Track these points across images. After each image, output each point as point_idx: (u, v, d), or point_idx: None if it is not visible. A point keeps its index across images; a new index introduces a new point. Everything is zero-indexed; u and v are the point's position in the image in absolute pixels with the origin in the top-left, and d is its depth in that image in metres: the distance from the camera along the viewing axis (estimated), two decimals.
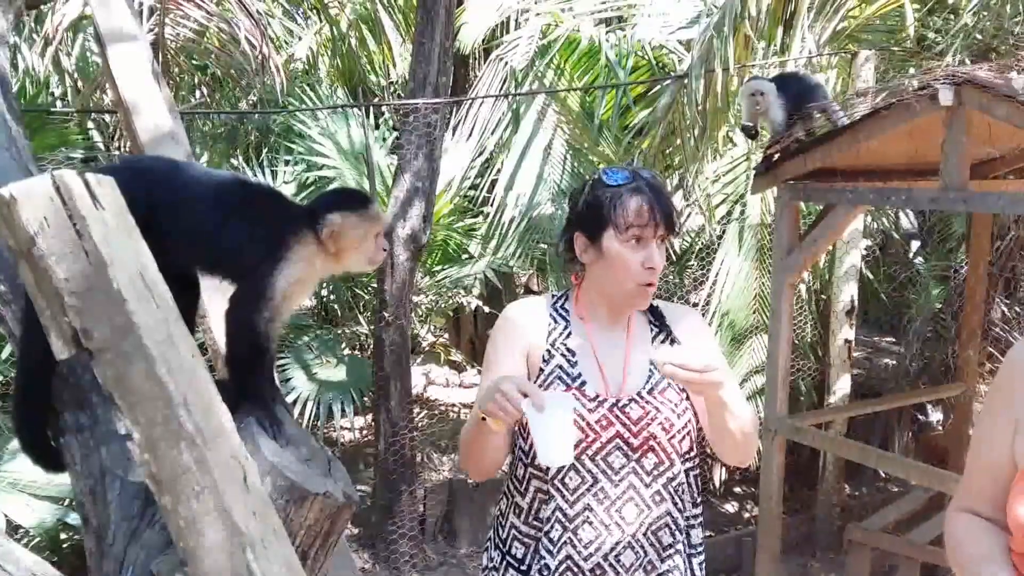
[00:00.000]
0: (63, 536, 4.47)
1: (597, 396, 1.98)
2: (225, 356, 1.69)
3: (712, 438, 2.04)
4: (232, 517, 1.30)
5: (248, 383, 1.66)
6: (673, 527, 2.00)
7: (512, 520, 2.05)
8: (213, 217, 1.66)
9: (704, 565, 2.08)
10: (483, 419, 1.85)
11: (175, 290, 1.42)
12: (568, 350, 2.04)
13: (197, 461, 1.29)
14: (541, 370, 2.02)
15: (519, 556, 2.02)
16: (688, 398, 2.04)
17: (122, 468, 1.58)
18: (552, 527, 1.95)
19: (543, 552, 1.95)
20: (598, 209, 2.00)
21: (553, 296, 2.16)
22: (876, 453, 4.88)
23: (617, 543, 1.95)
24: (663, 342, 2.08)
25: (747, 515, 6.77)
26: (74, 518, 4.22)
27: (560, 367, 2.02)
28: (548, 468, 1.95)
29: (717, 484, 6.87)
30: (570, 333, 2.06)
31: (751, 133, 4.74)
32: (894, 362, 7.41)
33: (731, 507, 6.93)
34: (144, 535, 1.53)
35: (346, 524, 1.68)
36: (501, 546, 2.07)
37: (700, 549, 2.07)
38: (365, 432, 7.37)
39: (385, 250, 1.79)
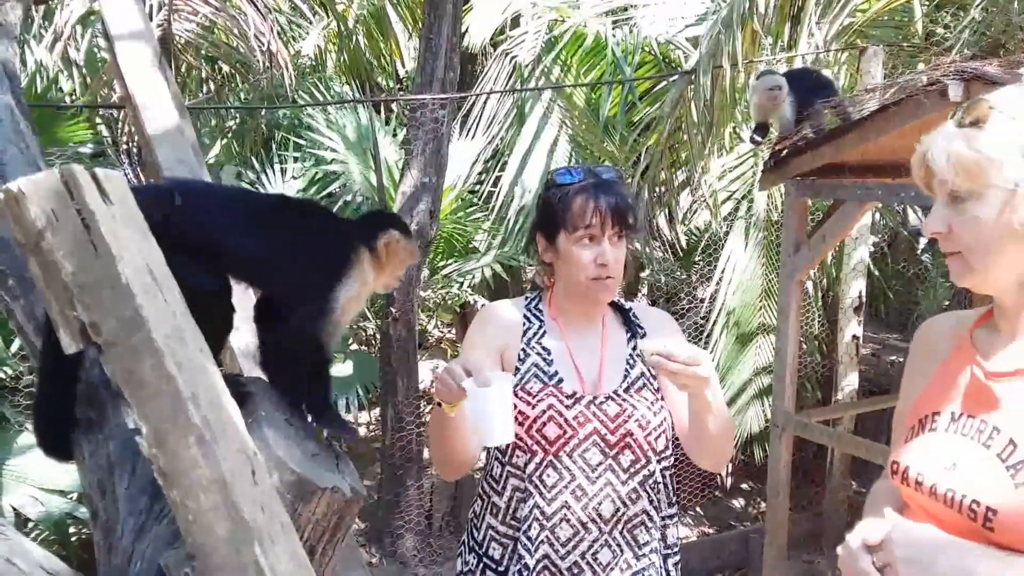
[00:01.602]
0: (71, 529, 4.49)
1: (574, 393, 1.98)
2: (278, 372, 1.73)
3: (690, 439, 2.01)
4: (240, 511, 1.30)
5: (315, 396, 1.72)
6: (649, 524, 1.99)
7: (489, 521, 2.03)
8: (274, 238, 1.70)
9: (679, 565, 2.07)
10: (439, 405, 1.85)
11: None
12: (543, 348, 2.03)
13: (205, 455, 1.29)
14: (517, 369, 2.01)
15: (496, 557, 2.00)
16: (663, 398, 2.03)
17: (130, 462, 1.59)
18: (530, 526, 1.93)
19: (521, 551, 1.94)
20: (551, 210, 2.02)
21: (527, 297, 2.16)
22: (884, 450, 4.85)
23: (595, 541, 1.94)
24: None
25: (754, 511, 6.76)
26: (82, 511, 4.24)
27: (536, 365, 2.01)
28: (526, 465, 1.94)
29: (725, 481, 6.88)
30: (545, 332, 2.06)
31: (760, 137, 4.67)
32: (902, 359, 7.39)
33: (738, 503, 6.93)
34: (152, 529, 1.53)
35: (354, 519, 1.68)
36: (477, 548, 2.04)
37: (676, 549, 2.06)
38: (372, 427, 7.39)
39: (400, 280, 1.88)
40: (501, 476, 2.01)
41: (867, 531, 1.37)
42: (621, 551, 1.95)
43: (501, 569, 1.99)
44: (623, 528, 1.96)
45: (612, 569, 1.94)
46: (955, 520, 1.34)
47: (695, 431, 1.95)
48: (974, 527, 1.30)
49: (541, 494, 1.94)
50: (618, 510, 1.95)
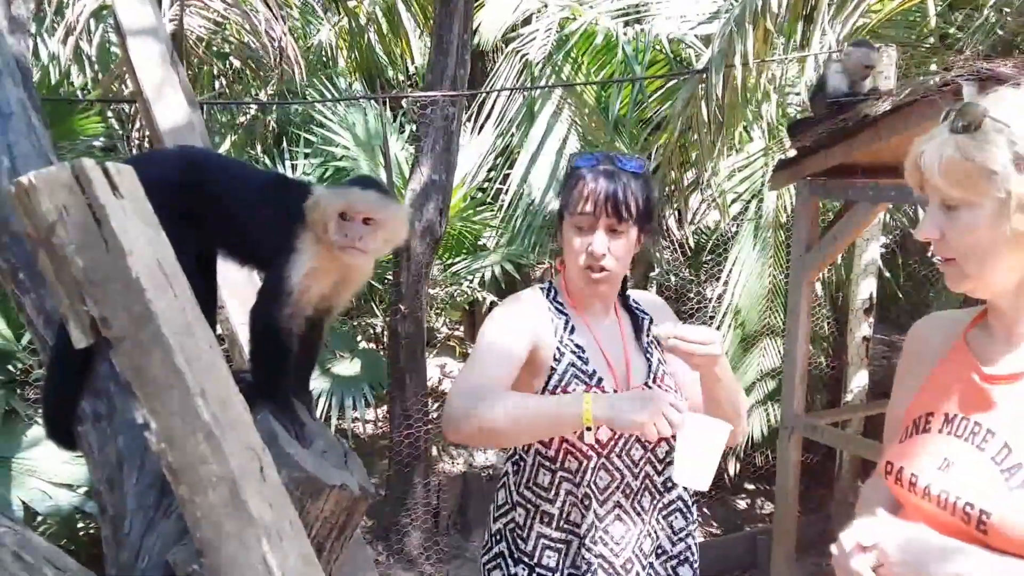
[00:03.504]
0: (80, 524, 4.50)
1: (615, 391, 1.96)
2: (249, 352, 1.69)
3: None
4: (248, 508, 1.29)
5: (267, 379, 1.66)
6: (685, 510, 2.03)
7: (540, 529, 1.99)
8: (251, 209, 1.69)
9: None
10: (588, 428, 1.72)
11: (198, 283, 1.44)
12: (576, 346, 1.99)
13: (214, 451, 1.28)
14: (553, 369, 1.96)
15: (552, 565, 1.97)
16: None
17: (139, 458, 1.58)
18: (590, 529, 1.93)
19: (582, 552, 1.93)
20: (561, 192, 2.01)
21: (542, 290, 2.10)
22: None
23: (640, 534, 1.96)
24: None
25: (760, 512, 6.74)
26: (91, 506, 4.24)
27: (573, 365, 1.97)
28: (582, 471, 1.92)
29: (730, 479, 6.85)
30: (573, 328, 2.02)
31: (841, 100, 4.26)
32: None
33: (745, 504, 6.91)
34: (160, 525, 1.53)
35: (362, 516, 1.68)
36: (527, 559, 1.99)
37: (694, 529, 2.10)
38: (380, 424, 7.39)
39: (348, 235, 1.62)
40: (553, 483, 1.97)
41: (860, 531, 1.38)
42: (657, 537, 1.99)
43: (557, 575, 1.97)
44: (658, 516, 1.99)
45: (651, 557, 1.98)
46: (948, 522, 1.35)
47: (709, 407, 1.95)
48: (967, 530, 1.31)
49: (596, 498, 1.93)
50: (655, 500, 1.99)
